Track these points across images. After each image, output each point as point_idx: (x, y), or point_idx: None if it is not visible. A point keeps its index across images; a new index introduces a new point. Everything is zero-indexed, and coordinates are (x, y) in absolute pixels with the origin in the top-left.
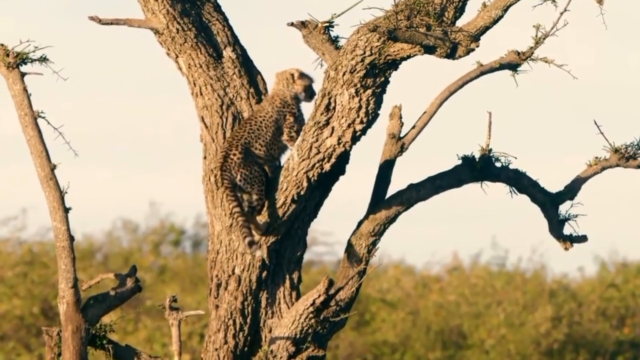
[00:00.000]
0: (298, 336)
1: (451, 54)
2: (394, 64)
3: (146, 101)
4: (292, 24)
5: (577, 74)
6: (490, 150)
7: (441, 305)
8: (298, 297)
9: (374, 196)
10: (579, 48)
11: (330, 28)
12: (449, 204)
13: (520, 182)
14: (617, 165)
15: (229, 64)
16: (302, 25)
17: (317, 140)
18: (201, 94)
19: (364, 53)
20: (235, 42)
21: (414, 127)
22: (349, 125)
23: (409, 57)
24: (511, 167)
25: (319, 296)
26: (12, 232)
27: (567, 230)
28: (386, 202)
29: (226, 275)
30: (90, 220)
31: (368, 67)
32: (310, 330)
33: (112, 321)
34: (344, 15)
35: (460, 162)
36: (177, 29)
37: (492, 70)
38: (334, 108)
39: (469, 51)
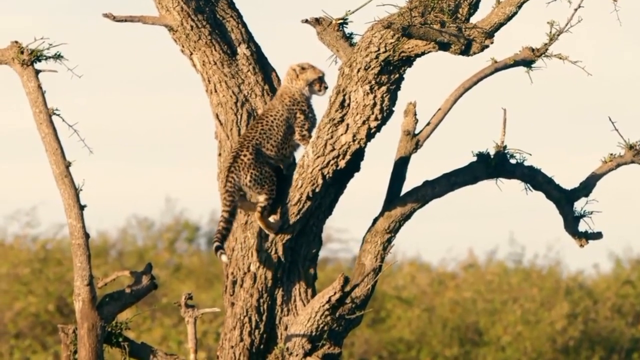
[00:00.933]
0: (314, 333)
1: (465, 51)
2: (409, 61)
3: (161, 98)
4: (306, 21)
5: (592, 70)
6: (505, 147)
7: (457, 302)
8: (313, 294)
9: (389, 193)
10: (593, 44)
11: (344, 25)
12: (464, 200)
13: (535, 178)
14: (632, 162)
15: (243, 61)
16: (317, 22)
17: (332, 137)
18: (216, 91)
19: (379, 50)
20: (249, 39)
21: (428, 123)
22: (363, 122)
23: (423, 53)
24: (526, 163)
25: (335, 293)
26: (23, 229)
27: (582, 226)
28: (401, 199)
29: (242, 272)
30: (105, 217)
31: (382, 63)
32: (325, 328)
33: (127, 319)
34: (358, 12)
35: (475, 158)
36: (192, 26)
37: (506, 66)
38: (349, 105)
39: (483, 48)
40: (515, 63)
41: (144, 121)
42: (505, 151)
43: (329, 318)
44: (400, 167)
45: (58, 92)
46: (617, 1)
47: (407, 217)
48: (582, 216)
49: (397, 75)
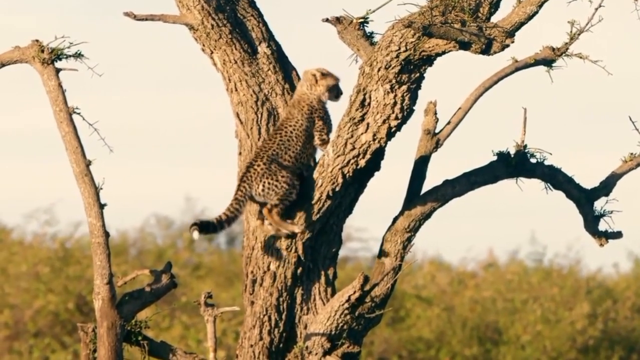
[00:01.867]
0: (333, 332)
1: (486, 50)
2: (429, 60)
3: (180, 97)
4: (327, 20)
5: (612, 69)
6: (525, 146)
7: (476, 302)
8: (333, 293)
9: (409, 192)
10: (613, 44)
11: (365, 24)
12: (484, 200)
13: (555, 178)
14: None
15: (263, 59)
16: (337, 21)
17: (352, 136)
18: (236, 90)
19: (399, 49)
20: (270, 38)
21: (449, 123)
22: (384, 121)
23: (443, 53)
24: (546, 163)
25: (354, 292)
26: (42, 227)
27: (602, 226)
28: (421, 198)
29: (261, 271)
30: (126, 216)
31: (403, 62)
32: (345, 327)
33: (147, 317)
34: (378, 11)
35: (495, 158)
36: (212, 25)
37: (527, 66)
38: (369, 104)
39: (503, 47)
40: (536, 62)
41: (164, 120)
42: (526, 150)
43: (348, 317)
44: (420, 166)
45: (79, 92)
46: (638, 1)
47: (427, 216)
48: (602, 215)
49: (417, 75)
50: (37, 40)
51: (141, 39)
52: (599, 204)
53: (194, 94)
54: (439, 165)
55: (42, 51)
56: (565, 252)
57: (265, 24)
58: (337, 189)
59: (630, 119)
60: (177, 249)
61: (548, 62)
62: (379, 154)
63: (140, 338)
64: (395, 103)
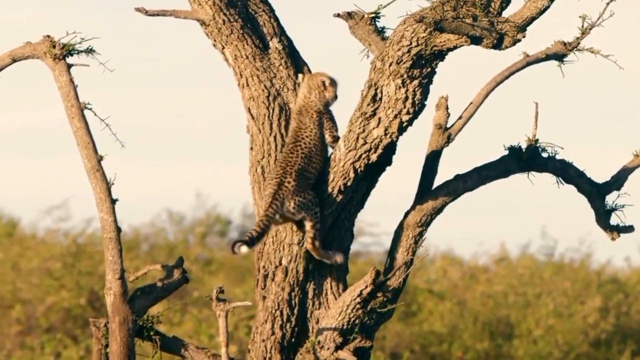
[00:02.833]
0: (345, 327)
1: (497, 45)
2: (441, 55)
3: (191, 92)
4: (338, 15)
5: (624, 64)
6: (536, 141)
7: (489, 296)
8: (345, 288)
9: (420, 187)
10: (625, 38)
11: (376, 19)
12: (496, 194)
13: (566, 172)
14: None
15: (275, 55)
16: (349, 16)
17: (363, 131)
18: (248, 85)
19: (411, 44)
20: (281, 33)
21: (460, 117)
22: (395, 116)
23: (455, 47)
24: (558, 157)
25: (366, 287)
26: (56, 223)
27: (613, 220)
28: (433, 193)
29: (273, 266)
30: (137, 211)
31: (414, 57)
32: (357, 321)
33: (159, 312)
34: (390, 6)
35: (506, 152)
36: (224, 20)
37: (538, 60)
38: (381, 99)
39: (515, 42)
40: (547, 57)
41: (175, 116)
42: (537, 145)
43: (360, 311)
44: (432, 161)
45: (90, 88)
46: None
47: (438, 210)
48: (613, 210)
49: (429, 69)
50: (48, 36)
51: (152, 35)
52: (610, 198)
53: (204, 89)
54: (450, 159)
55: (54, 47)
56: (576, 247)
57: (276, 19)
58: (349, 183)
59: None
60: (189, 245)
61: (559, 57)
62: (390, 149)
63: (152, 333)
64: (406, 98)
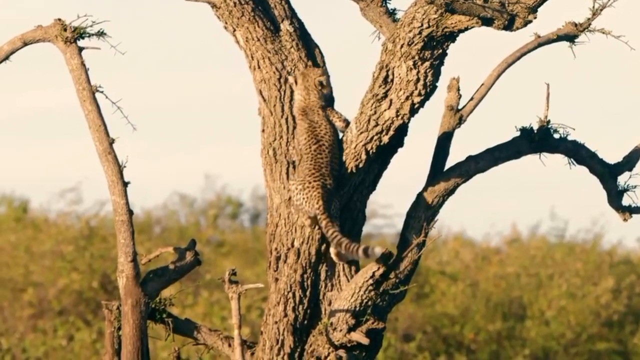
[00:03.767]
0: (358, 309)
1: (509, 26)
2: (452, 36)
3: (202, 74)
4: None
5: (635, 44)
6: (548, 122)
7: (501, 277)
8: (357, 269)
9: (432, 168)
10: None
11: (387, 1)
12: (507, 175)
13: (578, 153)
14: None
15: (286, 37)
16: None
17: (375, 112)
18: (259, 68)
19: (422, 25)
20: (292, 15)
21: (472, 99)
22: (407, 98)
23: (466, 29)
24: (569, 138)
25: (378, 268)
26: (69, 206)
27: (625, 201)
28: (445, 174)
29: (285, 248)
30: (147, 194)
31: (426, 39)
32: (369, 303)
33: (171, 295)
34: None
35: (518, 133)
36: (234, 3)
37: (549, 41)
38: (392, 80)
39: (526, 23)
40: (559, 38)
41: (185, 98)
42: (549, 126)
43: (372, 293)
44: (443, 142)
45: (101, 71)
46: None
47: (450, 192)
48: (625, 190)
49: (440, 51)
50: (59, 19)
51: (163, 18)
52: (622, 179)
53: (215, 72)
54: (462, 141)
55: (65, 30)
56: (588, 227)
57: (287, 1)
58: (361, 165)
59: None
60: (200, 227)
61: (571, 38)
62: (402, 131)
63: (164, 315)
64: (418, 79)
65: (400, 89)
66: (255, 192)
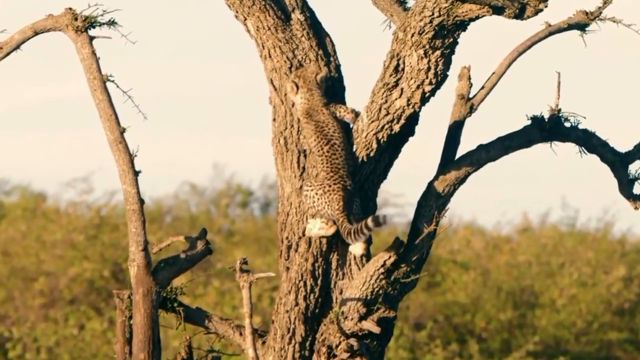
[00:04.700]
0: (369, 297)
1: (519, 15)
2: (463, 25)
3: (212, 64)
4: None
5: None
6: (559, 111)
7: (512, 266)
8: (368, 258)
9: (443, 157)
10: None
11: None
12: (519, 164)
13: (589, 141)
14: None
15: (297, 26)
16: None
17: (386, 101)
18: (270, 57)
19: (433, 14)
20: (303, 4)
21: (482, 87)
22: (418, 87)
23: (477, 17)
24: (580, 127)
25: (390, 257)
26: (80, 195)
27: (637, 189)
28: (456, 163)
29: (296, 237)
30: (157, 183)
31: (436, 28)
32: (380, 292)
33: (182, 284)
34: None
35: (529, 122)
36: None
37: (560, 30)
38: (403, 69)
39: (537, 11)
40: (569, 27)
41: (195, 87)
42: (560, 114)
43: (384, 282)
44: (454, 131)
45: (112, 60)
46: None
47: (461, 180)
48: (636, 179)
49: (451, 40)
50: (70, 9)
51: (173, 7)
52: (633, 168)
53: (225, 61)
54: (473, 130)
55: (76, 19)
56: (601, 216)
57: None
58: (372, 154)
59: None
60: (211, 216)
61: (581, 26)
62: (413, 119)
63: (176, 304)
64: (429, 68)
65: (411, 78)
66: (265, 181)
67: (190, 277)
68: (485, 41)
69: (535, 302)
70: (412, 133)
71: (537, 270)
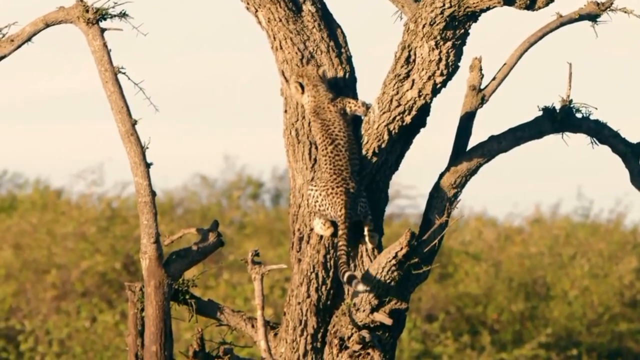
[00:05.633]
0: (380, 289)
1: (530, 5)
2: (474, 16)
3: (223, 56)
4: None
5: None
6: (570, 101)
7: (524, 257)
8: (380, 249)
9: (455, 148)
10: None
11: None
12: (530, 155)
13: (601, 132)
14: None
15: (308, 17)
16: None
17: (397, 92)
18: (281, 48)
19: (444, 5)
20: None
21: (494, 78)
22: (429, 78)
23: (488, 8)
24: (592, 117)
25: (401, 249)
26: (90, 187)
27: None
28: (467, 154)
29: (308, 229)
30: (168, 175)
31: (448, 19)
32: (392, 283)
33: (194, 276)
34: None
35: (540, 113)
36: None
37: (571, 21)
38: (414, 61)
39: (548, 2)
40: (581, 17)
41: (207, 79)
42: (571, 105)
43: (395, 273)
44: (466, 122)
45: (123, 52)
46: None
47: (473, 171)
48: None
49: (462, 31)
50: (81, 1)
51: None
52: None
53: (236, 53)
54: (484, 121)
55: (87, 11)
56: (612, 207)
57: None
58: (383, 145)
59: None
60: (222, 208)
61: (592, 17)
62: (424, 111)
63: (187, 297)
64: (440, 59)
65: (423, 69)
66: (276, 172)
67: (202, 269)
68: (496, 32)
69: (547, 294)
70: (423, 124)
71: (549, 261)
